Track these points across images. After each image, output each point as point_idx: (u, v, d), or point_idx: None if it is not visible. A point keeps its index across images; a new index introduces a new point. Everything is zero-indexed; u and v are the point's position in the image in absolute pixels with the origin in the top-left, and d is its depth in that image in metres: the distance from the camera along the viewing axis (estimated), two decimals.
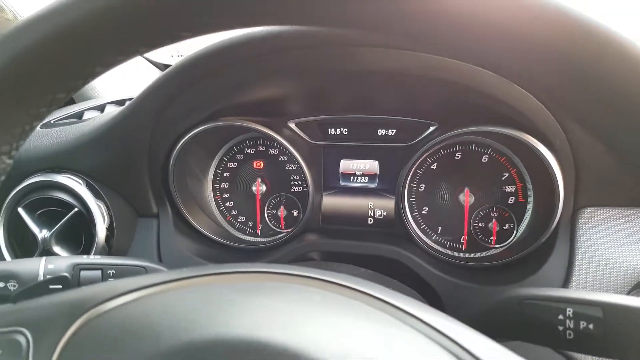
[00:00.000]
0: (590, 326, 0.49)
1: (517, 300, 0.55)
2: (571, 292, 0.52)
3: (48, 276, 0.58)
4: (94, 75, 0.39)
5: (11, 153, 0.42)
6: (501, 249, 0.90)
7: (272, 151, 0.98)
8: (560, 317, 0.51)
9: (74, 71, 0.38)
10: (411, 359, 0.33)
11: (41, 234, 0.81)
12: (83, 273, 0.59)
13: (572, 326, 0.50)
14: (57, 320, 0.41)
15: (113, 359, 0.36)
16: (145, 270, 0.61)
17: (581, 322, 0.49)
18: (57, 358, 0.38)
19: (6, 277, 0.57)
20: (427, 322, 0.36)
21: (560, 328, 0.50)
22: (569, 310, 0.50)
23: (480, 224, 0.91)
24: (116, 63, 0.38)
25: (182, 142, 0.88)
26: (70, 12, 0.34)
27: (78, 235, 0.85)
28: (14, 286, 0.57)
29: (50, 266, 0.59)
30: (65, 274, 0.56)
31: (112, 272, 0.60)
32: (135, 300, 0.41)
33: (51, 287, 0.53)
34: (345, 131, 0.93)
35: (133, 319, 0.39)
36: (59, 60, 0.36)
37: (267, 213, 1.00)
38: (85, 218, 0.82)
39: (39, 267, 0.58)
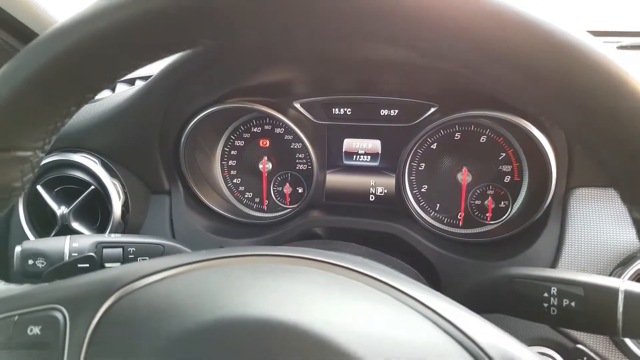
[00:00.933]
0: (572, 303, 0.54)
1: (507, 278, 0.60)
2: (556, 272, 0.56)
3: (73, 254, 0.62)
4: (118, 78, 0.42)
5: (44, 147, 0.46)
6: (496, 226, 0.94)
7: (277, 130, 1.01)
8: (546, 294, 0.55)
9: (104, 74, 0.41)
10: (407, 334, 0.37)
11: (60, 210, 0.86)
12: (105, 251, 0.63)
13: (555, 303, 0.55)
14: (91, 298, 0.45)
15: (142, 333, 0.41)
16: (163, 248, 0.66)
17: (564, 300, 0.54)
18: (92, 332, 0.42)
19: (35, 255, 0.62)
20: (420, 301, 0.40)
21: (545, 305, 0.55)
22: (554, 289, 0.55)
23: (476, 202, 0.96)
24: (137, 67, 0.41)
25: (191, 123, 0.91)
26: (107, 19, 0.36)
27: (94, 211, 0.89)
28: (42, 263, 0.62)
29: (75, 245, 0.63)
30: (92, 254, 0.60)
31: (132, 250, 0.64)
32: (161, 280, 0.45)
33: (79, 265, 0.58)
34: (349, 111, 0.96)
35: (160, 297, 0.43)
36: (93, 63, 0.40)
37: (273, 190, 1.04)
38: (101, 195, 0.87)
39: (64, 245, 0.63)
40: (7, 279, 0.49)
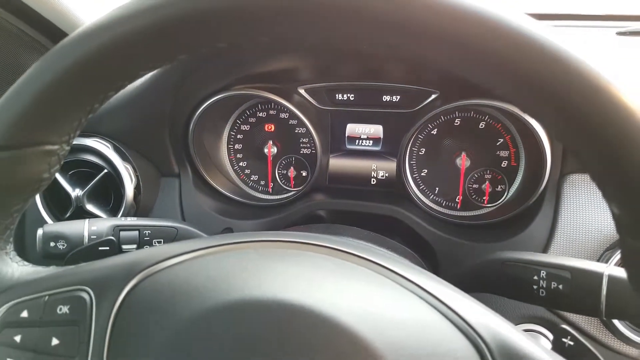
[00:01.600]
0: (560, 286, 0.58)
1: (500, 261, 0.64)
2: (545, 257, 0.60)
3: (92, 237, 0.66)
4: (139, 77, 0.45)
5: (70, 141, 0.49)
6: (492, 209, 0.98)
7: (282, 115, 1.04)
8: (535, 277, 0.59)
9: (128, 73, 0.44)
10: (405, 313, 0.41)
11: (74, 192, 0.89)
12: (122, 234, 0.67)
13: (544, 286, 0.59)
14: (115, 280, 0.48)
15: (163, 312, 0.43)
16: (176, 231, 0.70)
17: (552, 283, 0.58)
18: (116, 311, 0.45)
19: (57, 237, 0.66)
20: (418, 284, 0.44)
21: (535, 287, 0.59)
22: (543, 273, 0.59)
23: (474, 185, 0.99)
24: (156, 68, 0.44)
25: (199, 110, 0.94)
26: (139, 20, 0.37)
27: (107, 193, 0.93)
28: (63, 245, 0.66)
29: (93, 228, 0.67)
30: (112, 237, 0.64)
31: (148, 233, 0.68)
32: (181, 262, 0.47)
33: (100, 248, 0.61)
34: (352, 97, 0.99)
35: (180, 279, 0.46)
36: (119, 63, 0.42)
37: (278, 173, 1.08)
38: (114, 178, 0.90)
39: (83, 228, 0.67)
40: (25, 259, 0.52)
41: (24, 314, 0.46)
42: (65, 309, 0.46)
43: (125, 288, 0.46)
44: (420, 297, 0.42)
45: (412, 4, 0.31)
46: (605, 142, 0.30)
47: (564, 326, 0.51)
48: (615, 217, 0.34)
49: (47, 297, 0.47)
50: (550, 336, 0.80)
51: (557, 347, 0.51)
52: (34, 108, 0.43)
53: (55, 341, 0.46)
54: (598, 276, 0.56)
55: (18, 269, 0.50)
